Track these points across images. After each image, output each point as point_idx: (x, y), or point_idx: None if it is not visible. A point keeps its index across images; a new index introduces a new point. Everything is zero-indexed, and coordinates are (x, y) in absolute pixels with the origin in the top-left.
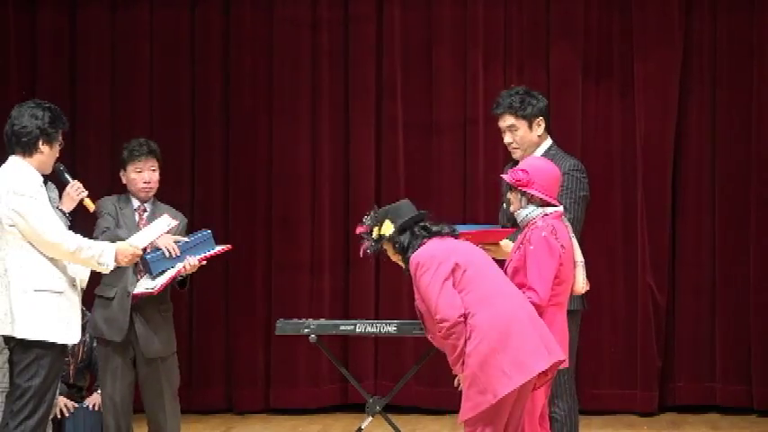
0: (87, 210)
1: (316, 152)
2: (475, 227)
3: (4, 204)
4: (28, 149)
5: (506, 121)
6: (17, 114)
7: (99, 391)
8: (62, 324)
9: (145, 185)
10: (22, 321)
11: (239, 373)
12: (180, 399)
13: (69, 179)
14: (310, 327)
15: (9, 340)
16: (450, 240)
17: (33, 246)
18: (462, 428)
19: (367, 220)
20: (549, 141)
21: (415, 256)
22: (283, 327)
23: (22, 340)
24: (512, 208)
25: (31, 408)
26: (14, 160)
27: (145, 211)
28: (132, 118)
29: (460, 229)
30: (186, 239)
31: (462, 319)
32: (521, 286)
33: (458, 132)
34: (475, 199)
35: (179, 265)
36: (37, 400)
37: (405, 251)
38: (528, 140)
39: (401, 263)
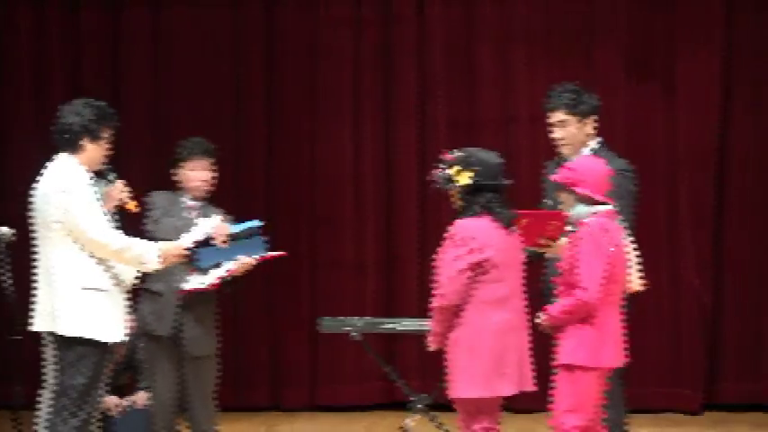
0: (129, 211)
1: (358, 151)
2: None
3: (51, 202)
4: (71, 146)
5: (557, 116)
6: (63, 112)
7: (145, 390)
8: (106, 322)
9: (201, 183)
10: (65, 319)
11: (284, 371)
12: (225, 397)
13: (113, 179)
14: (354, 325)
15: (53, 337)
16: (498, 230)
17: (79, 244)
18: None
19: (456, 153)
20: (597, 141)
21: (460, 225)
22: (327, 325)
23: (65, 338)
24: (563, 207)
25: (74, 407)
26: (62, 158)
27: (195, 209)
28: (174, 118)
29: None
30: (236, 228)
31: (455, 308)
32: (572, 285)
33: (500, 131)
34: (517, 197)
35: (231, 263)
36: (81, 399)
37: (463, 208)
38: (577, 138)
39: (456, 205)
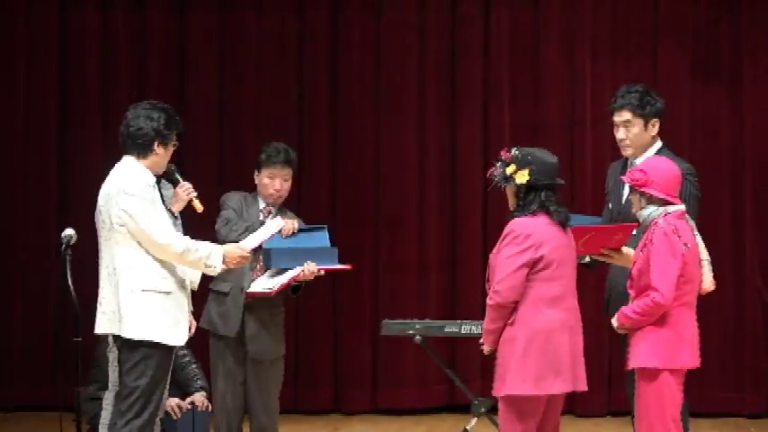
0: (195, 211)
1: (423, 153)
2: (588, 219)
3: (115, 204)
4: (143, 151)
5: (623, 116)
6: (133, 116)
7: (202, 392)
8: (169, 324)
9: (274, 192)
10: (129, 321)
11: (346, 373)
12: (287, 399)
13: (180, 179)
14: (415, 327)
15: (116, 339)
16: (553, 228)
17: (142, 246)
18: None
19: (514, 151)
20: (659, 143)
21: (517, 223)
22: (389, 327)
23: (128, 339)
24: (632, 209)
25: (138, 408)
26: (128, 160)
27: (270, 213)
28: (240, 119)
29: (581, 221)
30: (303, 229)
31: (512, 305)
32: (646, 287)
33: (564, 133)
34: (582, 199)
35: (298, 269)
36: (144, 400)
37: (519, 207)
38: (641, 139)
39: (510, 204)
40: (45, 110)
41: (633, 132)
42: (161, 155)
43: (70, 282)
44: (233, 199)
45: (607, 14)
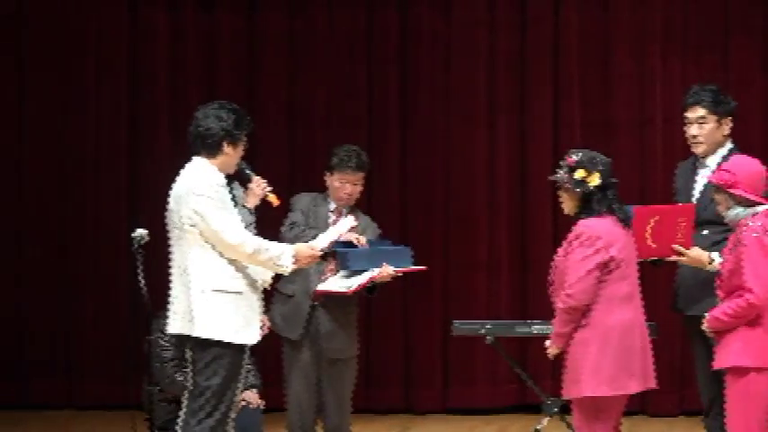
0: (271, 205)
1: (493, 152)
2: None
3: (185, 205)
4: (212, 151)
5: (697, 112)
6: (202, 116)
7: (254, 389)
8: (240, 324)
9: (345, 196)
10: (200, 321)
11: (417, 372)
12: (358, 398)
13: (252, 175)
14: (486, 328)
15: (188, 339)
16: (619, 228)
17: (213, 246)
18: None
19: (579, 154)
20: (731, 144)
21: (586, 225)
22: (460, 328)
23: (200, 339)
24: (718, 209)
25: (209, 407)
26: (198, 161)
27: (340, 213)
28: (310, 119)
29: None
30: (386, 247)
31: (585, 307)
32: (737, 288)
33: (635, 131)
34: (653, 199)
35: (376, 270)
36: (216, 400)
37: (585, 209)
38: (713, 137)
39: (569, 209)
40: (115, 110)
41: (706, 129)
42: (230, 155)
43: (142, 281)
44: (302, 201)
45: (677, 12)
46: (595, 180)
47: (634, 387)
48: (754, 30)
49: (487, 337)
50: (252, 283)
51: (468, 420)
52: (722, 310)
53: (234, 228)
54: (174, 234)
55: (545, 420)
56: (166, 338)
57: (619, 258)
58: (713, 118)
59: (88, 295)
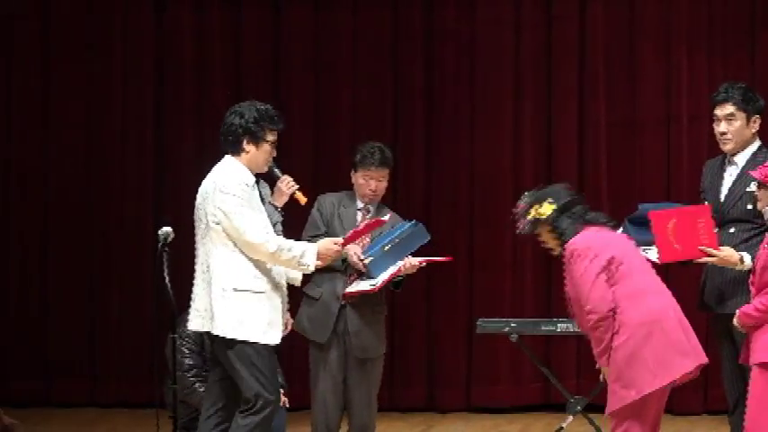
0: (299, 203)
1: (518, 151)
2: (659, 205)
3: (211, 202)
4: (234, 148)
5: (726, 109)
6: (229, 113)
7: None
8: (262, 324)
9: (370, 192)
10: (219, 319)
11: (441, 371)
12: (382, 397)
13: (279, 174)
14: (511, 326)
15: (209, 336)
16: (605, 231)
17: (236, 245)
18: (609, 422)
19: (525, 198)
20: (758, 142)
21: (572, 244)
22: (484, 326)
23: (221, 338)
24: (759, 205)
25: (249, 406)
26: (227, 159)
27: (368, 212)
28: (335, 117)
29: (650, 208)
30: (398, 233)
31: (611, 313)
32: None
33: (661, 130)
34: (679, 197)
35: (399, 263)
36: (254, 400)
37: (561, 236)
38: (742, 135)
39: (553, 247)
40: (142, 108)
41: (735, 126)
42: (252, 153)
43: (167, 279)
44: (325, 202)
45: (703, 9)
46: (548, 209)
47: (688, 365)
48: None
49: (512, 336)
50: (275, 283)
51: (492, 419)
52: (753, 305)
53: (256, 227)
54: (199, 231)
55: (569, 419)
56: (187, 345)
57: (620, 256)
58: (742, 115)
59: (113, 294)
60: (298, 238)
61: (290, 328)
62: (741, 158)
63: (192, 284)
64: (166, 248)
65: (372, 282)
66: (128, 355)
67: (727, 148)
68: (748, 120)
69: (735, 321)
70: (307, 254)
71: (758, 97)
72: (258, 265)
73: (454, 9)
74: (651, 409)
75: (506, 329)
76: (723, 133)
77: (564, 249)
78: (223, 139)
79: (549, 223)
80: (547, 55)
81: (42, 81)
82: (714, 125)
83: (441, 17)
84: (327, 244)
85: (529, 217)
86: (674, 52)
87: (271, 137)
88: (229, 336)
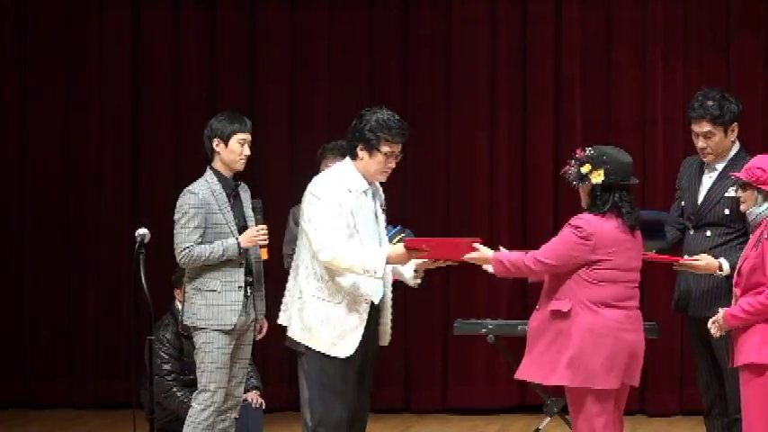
0: (260, 255)
1: (493, 152)
2: (656, 213)
3: (304, 201)
4: (350, 151)
5: (703, 127)
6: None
7: (256, 390)
8: (331, 335)
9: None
10: (295, 324)
11: (418, 372)
12: None
13: (258, 222)
14: (488, 327)
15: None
16: (620, 232)
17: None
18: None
19: (589, 150)
20: (737, 146)
21: (585, 218)
22: (461, 327)
23: (294, 341)
24: (743, 206)
25: (307, 414)
26: (346, 161)
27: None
28: (311, 116)
29: (651, 215)
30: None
31: (549, 269)
32: (756, 285)
33: (637, 132)
34: (654, 198)
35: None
36: (310, 407)
37: (592, 204)
38: (722, 146)
39: (583, 201)
40: (118, 109)
41: (714, 141)
42: (365, 160)
43: (144, 280)
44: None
45: (679, 11)
46: (599, 177)
47: (610, 383)
48: (755, 29)
49: (489, 337)
50: (354, 296)
51: (469, 420)
52: (740, 307)
53: (323, 234)
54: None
55: (546, 420)
56: (166, 350)
57: (611, 263)
58: (720, 129)
59: (90, 294)
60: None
61: (264, 331)
62: (721, 163)
63: (169, 285)
64: (143, 250)
65: None
66: (105, 356)
67: (707, 159)
68: (726, 131)
69: (718, 322)
70: (373, 259)
71: (733, 104)
72: (338, 274)
73: (429, 8)
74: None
75: (483, 330)
76: (703, 148)
77: (582, 212)
78: (347, 139)
79: (590, 187)
80: (522, 55)
81: (18, 81)
82: (693, 138)
83: (416, 16)
84: (397, 247)
85: (582, 170)
86: (650, 53)
87: (386, 148)
88: (297, 339)
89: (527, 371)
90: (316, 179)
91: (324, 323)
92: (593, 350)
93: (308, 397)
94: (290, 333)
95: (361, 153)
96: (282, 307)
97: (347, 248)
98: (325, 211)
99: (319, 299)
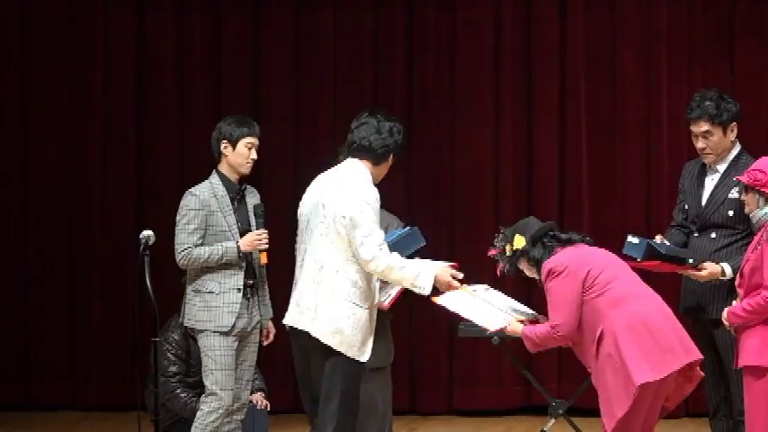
0: (259, 259)
1: (498, 153)
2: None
3: (341, 203)
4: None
5: (701, 126)
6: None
7: (261, 392)
8: (359, 340)
9: None
10: (322, 323)
11: (423, 374)
12: None
13: (260, 226)
14: None
15: (307, 336)
16: (583, 247)
17: (354, 255)
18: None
19: (497, 241)
20: (738, 147)
21: (548, 263)
22: (466, 329)
23: (321, 344)
24: (746, 209)
25: (339, 414)
26: (364, 164)
27: None
28: (316, 118)
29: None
30: (388, 237)
31: (570, 337)
32: (757, 286)
33: (641, 133)
34: (659, 201)
35: None
36: (342, 410)
37: (538, 262)
38: (722, 146)
39: (536, 276)
40: (123, 112)
41: (713, 141)
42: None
43: (148, 282)
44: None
45: (684, 13)
46: (520, 242)
47: (676, 362)
48: (760, 31)
49: (494, 338)
50: (374, 302)
51: (474, 422)
52: (741, 306)
53: (372, 242)
54: (317, 226)
55: (551, 422)
56: (173, 351)
57: (598, 267)
58: (718, 129)
59: (95, 296)
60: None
61: (272, 337)
62: (722, 165)
63: (173, 287)
64: (147, 251)
65: (380, 298)
66: (109, 358)
67: (707, 160)
68: (725, 131)
69: (723, 319)
70: (422, 276)
71: (731, 104)
72: (369, 280)
73: (434, 10)
74: (643, 406)
75: (488, 333)
76: (702, 149)
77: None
78: (370, 143)
79: (525, 255)
80: (527, 56)
81: (22, 84)
82: (692, 139)
83: (421, 18)
84: (445, 272)
85: (507, 253)
86: (655, 55)
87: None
88: (323, 341)
89: (606, 417)
90: (361, 184)
91: (354, 328)
92: (636, 345)
93: (341, 394)
94: (316, 335)
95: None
96: (297, 309)
97: (396, 260)
98: (373, 218)
99: (353, 303)
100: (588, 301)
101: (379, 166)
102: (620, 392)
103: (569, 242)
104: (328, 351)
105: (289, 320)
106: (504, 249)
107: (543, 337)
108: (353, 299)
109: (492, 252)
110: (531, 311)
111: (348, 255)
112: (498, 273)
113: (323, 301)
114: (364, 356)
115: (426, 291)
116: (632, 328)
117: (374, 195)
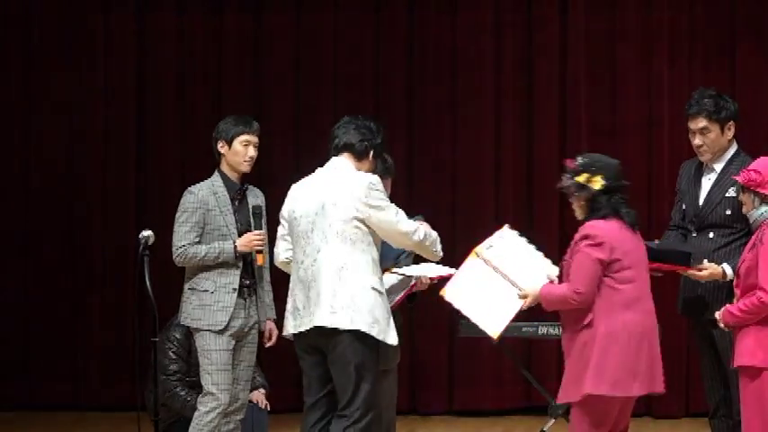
0: (256, 260)
1: (499, 154)
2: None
3: (352, 198)
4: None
5: (699, 123)
6: (372, 122)
7: (262, 389)
8: (389, 325)
9: None
10: (360, 315)
11: (423, 374)
12: None
13: (260, 226)
14: None
15: (331, 335)
16: (625, 232)
17: (368, 245)
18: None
19: (581, 159)
20: (735, 146)
21: (592, 227)
22: (467, 328)
23: (360, 333)
24: (744, 209)
25: (360, 412)
26: (351, 162)
27: None
28: (316, 118)
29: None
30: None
31: (586, 303)
32: (753, 286)
33: (642, 134)
34: (660, 200)
35: (413, 280)
36: (366, 406)
37: (592, 211)
38: (718, 144)
39: (578, 214)
40: (123, 111)
41: (710, 138)
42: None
43: (148, 282)
44: None
45: (685, 14)
46: (598, 183)
47: (637, 390)
48: (761, 31)
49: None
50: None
51: (474, 422)
52: (737, 306)
53: (403, 215)
54: (329, 226)
55: (550, 422)
56: (174, 350)
57: (624, 262)
58: (716, 126)
59: (95, 296)
60: None
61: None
62: (719, 164)
63: (173, 287)
64: (147, 251)
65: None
66: (109, 357)
67: (704, 158)
68: (722, 128)
69: (717, 317)
70: (438, 242)
71: (730, 103)
72: (379, 266)
73: (435, 12)
74: (604, 411)
75: (492, 341)
76: (699, 146)
77: (584, 222)
78: (351, 140)
79: (590, 195)
80: (528, 57)
81: (23, 84)
82: (690, 136)
83: (422, 21)
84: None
85: (577, 179)
86: (656, 56)
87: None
88: (368, 331)
89: (563, 393)
90: (363, 175)
91: (384, 315)
92: (615, 355)
93: (368, 389)
94: (355, 327)
95: (372, 158)
96: (329, 309)
97: (427, 228)
98: (386, 196)
99: (378, 292)
100: (599, 285)
101: (362, 161)
102: (590, 373)
103: (623, 218)
104: (363, 341)
105: (291, 327)
106: (581, 174)
107: (561, 299)
108: (381, 288)
109: (570, 164)
110: (548, 269)
111: (364, 246)
112: (558, 186)
113: (358, 296)
114: (395, 340)
115: (439, 255)
116: (616, 339)
117: (375, 177)
